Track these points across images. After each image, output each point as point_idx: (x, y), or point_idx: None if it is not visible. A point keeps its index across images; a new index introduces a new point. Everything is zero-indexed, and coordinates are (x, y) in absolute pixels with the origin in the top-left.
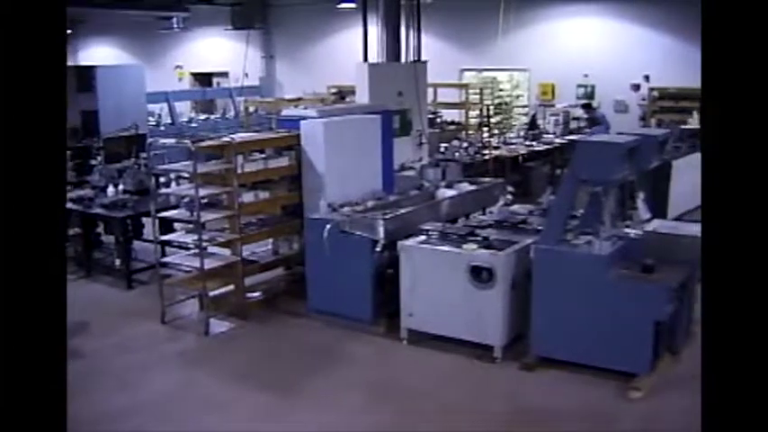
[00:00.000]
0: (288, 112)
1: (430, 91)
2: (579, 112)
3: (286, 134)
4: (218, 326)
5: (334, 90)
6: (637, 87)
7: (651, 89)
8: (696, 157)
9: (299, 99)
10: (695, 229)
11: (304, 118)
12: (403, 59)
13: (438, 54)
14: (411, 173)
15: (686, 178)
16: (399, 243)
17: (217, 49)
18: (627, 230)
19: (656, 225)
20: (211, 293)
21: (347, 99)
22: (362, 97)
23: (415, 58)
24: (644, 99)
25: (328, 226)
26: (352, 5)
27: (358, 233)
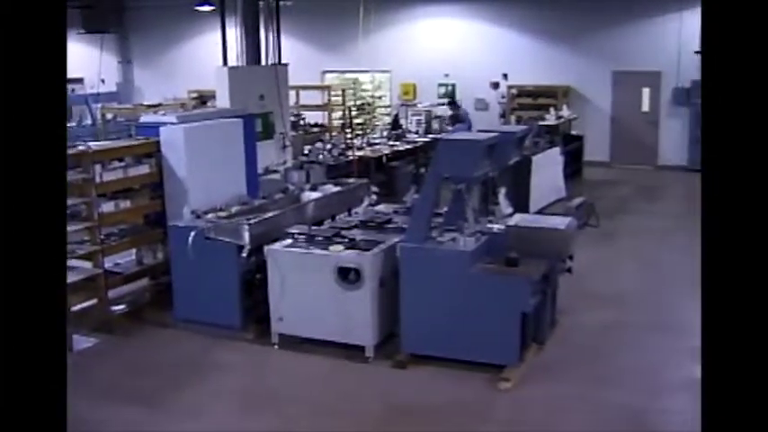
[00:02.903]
0: (147, 118)
1: (292, 93)
2: (441, 111)
3: (145, 141)
4: (82, 342)
5: (194, 95)
6: (496, 86)
7: (510, 87)
8: (554, 152)
9: (159, 105)
10: (556, 222)
11: (164, 124)
12: (263, 62)
13: (299, 56)
14: (275, 176)
15: (545, 173)
16: (266, 247)
17: (69, 54)
18: (490, 225)
19: (517, 219)
20: (73, 308)
21: (208, 104)
22: (223, 101)
23: (276, 61)
24: (503, 97)
25: (192, 233)
26: (211, 8)
27: (223, 239)
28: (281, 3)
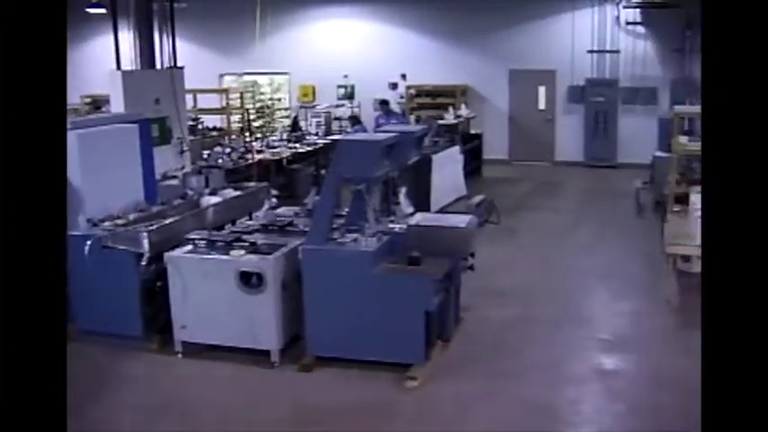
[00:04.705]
0: None
1: (189, 97)
2: (340, 112)
3: None
4: None
5: (87, 100)
6: (395, 86)
7: (408, 87)
8: (454, 151)
9: None
10: (456, 220)
11: None
12: (159, 66)
13: (196, 59)
14: (174, 182)
15: (445, 171)
16: (166, 254)
17: None
18: (391, 225)
19: (419, 218)
20: None
21: (102, 109)
22: (118, 106)
23: (172, 64)
24: (402, 97)
25: (89, 242)
26: (103, 10)
27: (121, 247)
28: (176, 5)
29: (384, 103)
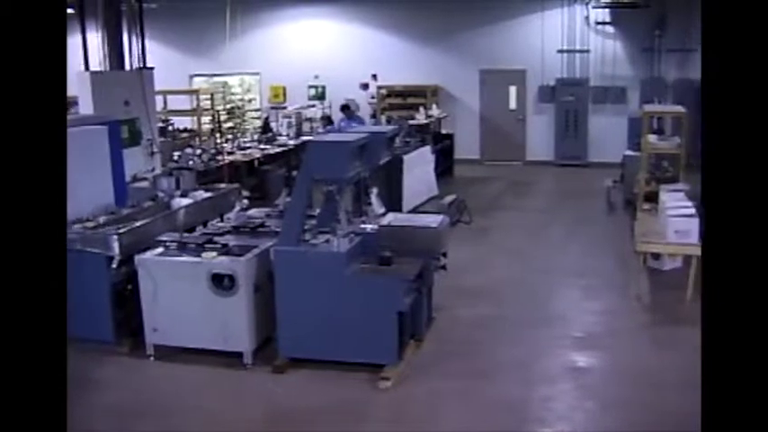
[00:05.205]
0: None
1: (159, 98)
2: (311, 113)
3: None
4: None
5: None
6: (365, 86)
7: (379, 88)
8: (425, 151)
9: None
10: (428, 220)
11: None
12: (128, 67)
13: (165, 60)
14: (144, 184)
15: (417, 172)
16: (136, 257)
17: None
18: (363, 226)
19: (390, 219)
20: None
21: (71, 110)
22: (87, 108)
23: (141, 65)
24: (373, 97)
25: None
26: (70, 11)
27: (91, 250)
28: (145, 5)
29: (345, 107)
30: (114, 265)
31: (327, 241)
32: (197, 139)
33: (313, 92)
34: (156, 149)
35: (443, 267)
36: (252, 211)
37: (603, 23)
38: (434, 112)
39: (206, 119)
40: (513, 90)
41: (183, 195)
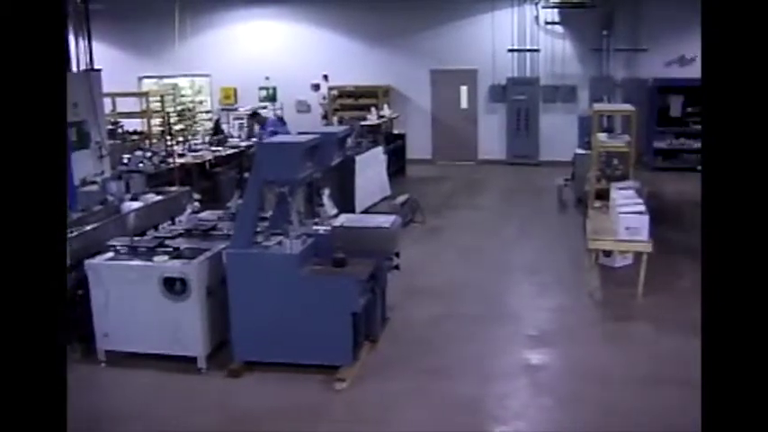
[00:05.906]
0: None
1: (107, 101)
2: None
3: None
4: None
5: None
6: (317, 87)
7: (331, 88)
8: (377, 151)
9: None
10: (381, 221)
11: None
12: (75, 68)
13: (114, 62)
14: (93, 187)
15: (369, 172)
16: (86, 262)
17: None
18: (316, 227)
19: (343, 219)
20: None
21: None
22: None
23: (88, 67)
24: (324, 98)
25: None
26: None
27: None
28: (91, 6)
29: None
30: None
31: (280, 243)
32: (147, 141)
33: (264, 93)
34: (105, 152)
35: (397, 267)
36: (203, 214)
37: (553, 23)
38: (386, 112)
39: (156, 121)
40: (464, 90)
41: (134, 199)
